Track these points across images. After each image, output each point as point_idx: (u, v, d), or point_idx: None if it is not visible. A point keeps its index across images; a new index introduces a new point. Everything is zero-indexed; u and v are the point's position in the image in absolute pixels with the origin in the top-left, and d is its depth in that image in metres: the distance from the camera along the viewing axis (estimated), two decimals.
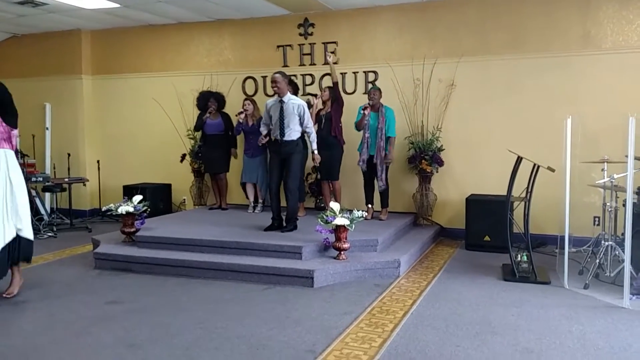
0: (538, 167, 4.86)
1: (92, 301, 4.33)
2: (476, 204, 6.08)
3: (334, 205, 5.00)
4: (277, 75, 5.57)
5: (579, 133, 5.23)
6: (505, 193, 5.04)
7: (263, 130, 5.84)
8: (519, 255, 4.95)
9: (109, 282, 4.91)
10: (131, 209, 5.66)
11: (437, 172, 6.63)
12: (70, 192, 7.82)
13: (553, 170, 4.72)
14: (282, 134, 5.57)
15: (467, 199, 6.20)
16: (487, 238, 5.97)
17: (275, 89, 5.58)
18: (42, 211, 7.77)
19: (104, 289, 4.67)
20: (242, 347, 3.38)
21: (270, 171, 5.90)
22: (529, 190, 4.97)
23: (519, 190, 4.97)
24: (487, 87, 6.52)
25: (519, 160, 4.92)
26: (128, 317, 3.97)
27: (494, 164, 6.41)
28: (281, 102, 5.59)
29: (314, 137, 5.78)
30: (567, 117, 4.73)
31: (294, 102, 5.62)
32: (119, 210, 5.65)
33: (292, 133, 5.60)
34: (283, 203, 5.78)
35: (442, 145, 6.62)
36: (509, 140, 6.16)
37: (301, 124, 5.64)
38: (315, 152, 5.76)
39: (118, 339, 3.54)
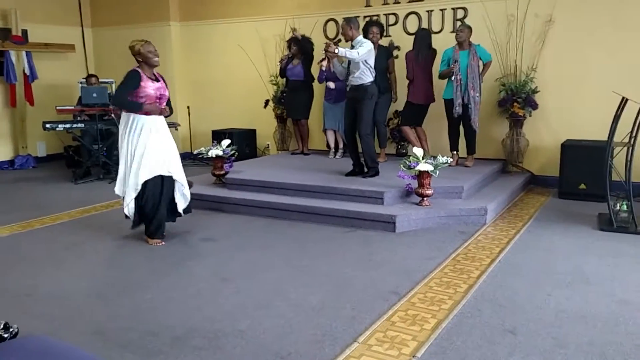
0: None
1: (187, 238, 4.62)
2: (572, 150, 5.72)
3: (417, 151, 4.91)
4: (342, 22, 5.65)
5: None
6: (604, 138, 4.70)
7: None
8: (618, 204, 4.66)
9: (202, 220, 5.17)
10: (220, 153, 5.89)
11: (530, 115, 6.25)
12: None
13: None
14: (348, 78, 5.54)
15: (562, 144, 5.83)
16: (582, 186, 5.64)
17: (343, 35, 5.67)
18: None
19: (198, 227, 4.93)
20: (328, 285, 3.49)
21: (344, 118, 5.89)
22: (634, 134, 4.58)
23: (620, 135, 4.61)
24: (589, 22, 5.95)
25: (624, 102, 4.53)
26: (220, 253, 4.21)
27: (593, 107, 5.95)
28: (352, 47, 5.50)
29: (350, 52, 5.28)
30: None
31: (356, 44, 5.45)
32: (210, 154, 5.90)
33: (357, 77, 5.44)
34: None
35: (536, 87, 6.20)
36: (611, 81, 5.67)
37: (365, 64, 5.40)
38: (338, 50, 5.20)
39: (212, 272, 3.77)
